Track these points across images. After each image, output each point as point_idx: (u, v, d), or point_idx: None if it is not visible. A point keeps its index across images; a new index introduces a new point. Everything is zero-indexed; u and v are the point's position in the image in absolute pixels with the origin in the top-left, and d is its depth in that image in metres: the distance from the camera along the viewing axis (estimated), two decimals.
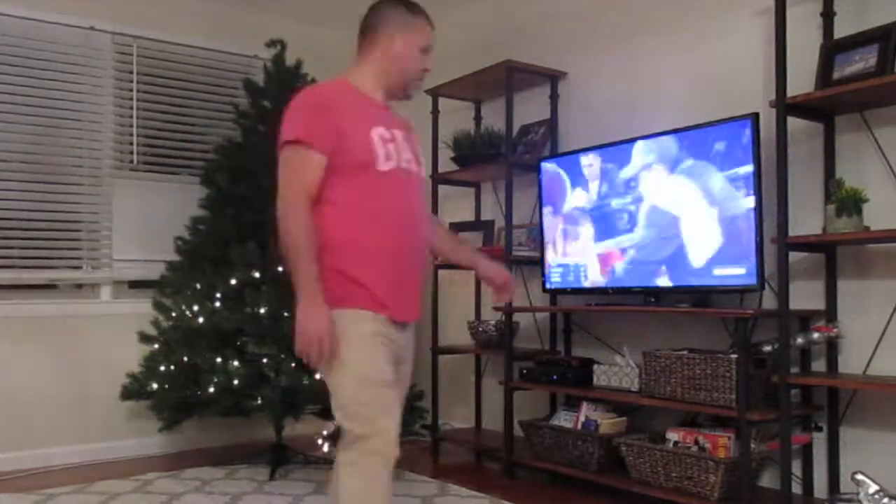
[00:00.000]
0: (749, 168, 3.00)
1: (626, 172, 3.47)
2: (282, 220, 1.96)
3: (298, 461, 4.04)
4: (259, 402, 3.56)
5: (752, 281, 2.99)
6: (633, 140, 3.45)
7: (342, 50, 5.18)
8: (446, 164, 4.57)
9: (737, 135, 3.04)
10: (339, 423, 2.03)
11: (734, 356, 2.94)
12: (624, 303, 3.61)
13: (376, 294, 2.00)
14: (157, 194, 4.43)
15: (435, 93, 4.47)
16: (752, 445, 2.95)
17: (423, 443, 4.59)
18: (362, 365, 1.98)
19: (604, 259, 3.57)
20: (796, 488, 3.02)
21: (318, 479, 3.72)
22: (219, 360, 3.60)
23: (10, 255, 4.08)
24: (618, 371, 3.47)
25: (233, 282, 3.66)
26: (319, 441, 4.12)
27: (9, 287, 4.07)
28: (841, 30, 2.96)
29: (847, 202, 2.74)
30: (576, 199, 3.70)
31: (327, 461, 4.07)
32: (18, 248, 4.11)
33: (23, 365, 4.07)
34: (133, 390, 3.81)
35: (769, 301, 3.17)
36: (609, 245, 3.54)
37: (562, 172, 3.77)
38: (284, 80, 3.93)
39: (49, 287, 4.18)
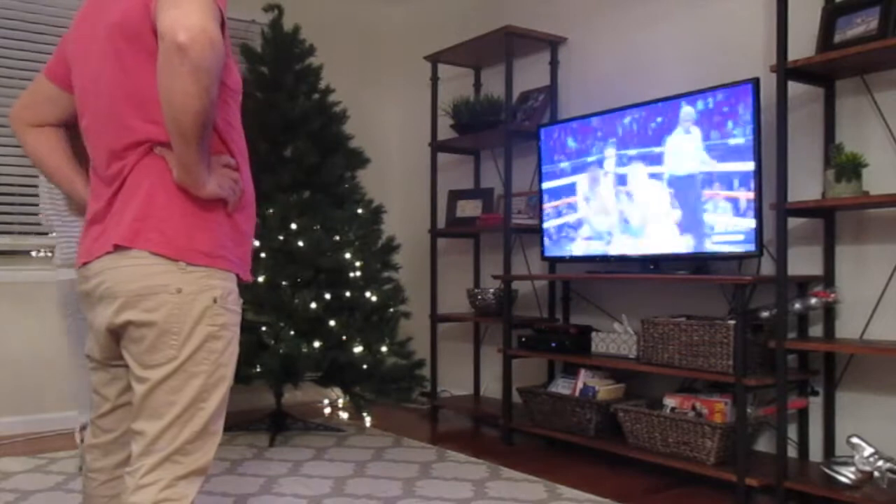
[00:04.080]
0: (749, 133, 2.98)
1: (625, 138, 3.45)
2: (206, 74, 1.30)
3: (298, 428, 4.07)
4: (258, 369, 3.57)
5: (751, 247, 2.99)
6: (632, 106, 3.43)
7: (339, 15, 5.16)
8: (445, 132, 4.55)
9: (737, 100, 3.02)
10: None
11: (732, 322, 2.95)
12: (622, 270, 3.61)
13: None
14: None
15: (434, 59, 4.44)
16: (749, 410, 2.96)
17: (422, 410, 4.62)
18: None
19: (601, 226, 3.56)
20: (792, 452, 3.04)
21: (318, 446, 3.75)
22: None
23: (9, 220, 4.08)
24: (616, 338, 3.48)
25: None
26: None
27: (8, 252, 4.07)
28: None
29: (846, 167, 2.72)
30: (575, 166, 3.69)
31: (327, 428, 4.10)
32: (18, 213, 4.11)
33: (24, 330, 4.09)
34: None
35: (767, 267, 3.17)
36: (607, 211, 3.53)
37: (561, 139, 3.75)
38: (282, 45, 3.89)
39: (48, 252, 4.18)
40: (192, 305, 1.45)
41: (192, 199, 1.45)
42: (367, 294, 3.81)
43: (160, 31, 1.29)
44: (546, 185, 3.83)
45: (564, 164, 3.74)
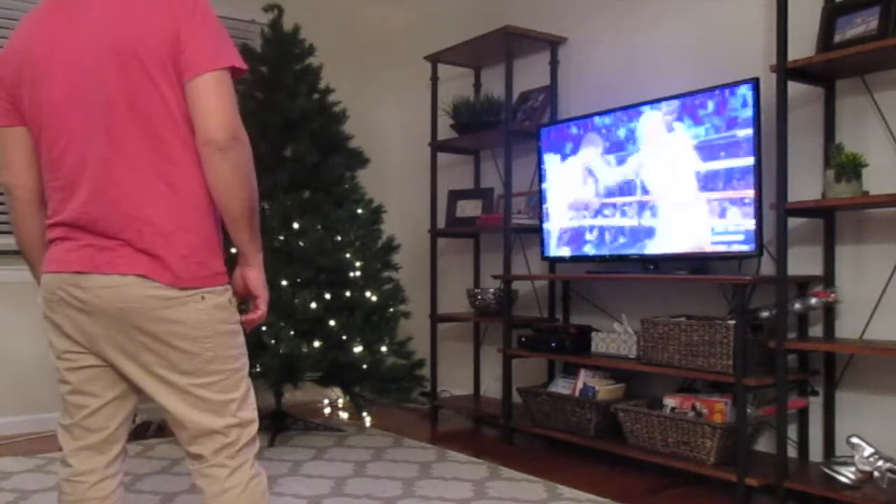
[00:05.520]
0: (749, 133, 2.98)
1: (626, 138, 3.45)
2: (246, 166, 1.51)
3: (298, 428, 4.07)
4: (258, 368, 3.57)
5: (751, 247, 2.99)
6: (632, 106, 3.43)
7: (339, 15, 5.16)
8: (445, 132, 4.55)
9: (737, 100, 3.02)
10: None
11: (732, 322, 2.95)
12: (622, 270, 3.61)
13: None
14: None
15: (434, 59, 4.44)
16: (749, 410, 2.96)
17: (422, 410, 4.62)
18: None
19: (603, 226, 3.56)
20: (792, 452, 3.04)
21: (318, 446, 3.75)
22: None
23: (9, 220, 4.08)
24: (616, 338, 3.48)
25: (232, 250, 3.66)
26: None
27: (8, 253, 4.07)
28: None
29: (846, 167, 2.72)
30: (575, 165, 3.69)
31: (327, 428, 4.10)
32: None
33: (23, 330, 4.09)
34: None
35: (767, 267, 3.17)
36: (608, 211, 3.53)
37: (562, 139, 3.75)
38: (282, 45, 3.89)
39: None
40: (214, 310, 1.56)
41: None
42: (367, 294, 3.80)
43: (194, 125, 1.48)
44: (545, 184, 3.83)
45: (564, 164, 3.73)
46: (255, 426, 1.62)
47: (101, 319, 1.50)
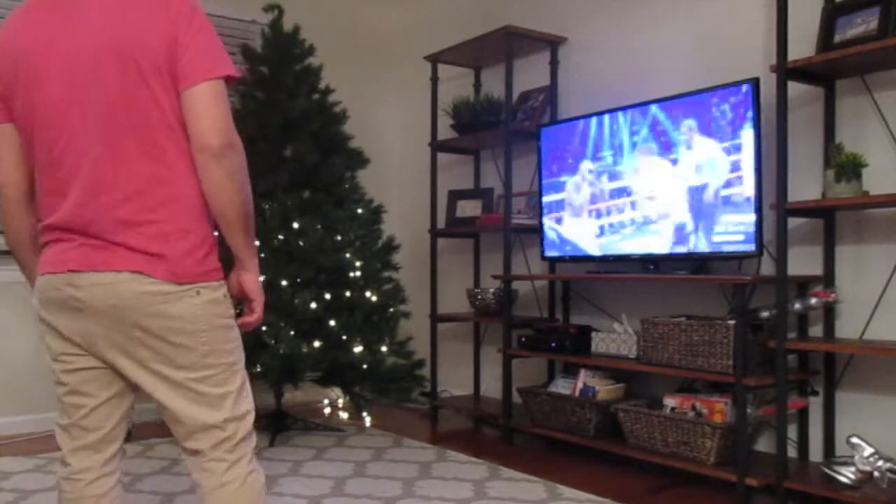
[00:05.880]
0: (749, 133, 2.98)
1: (626, 139, 3.45)
2: (240, 173, 1.53)
3: (298, 428, 4.07)
4: (258, 368, 3.57)
5: (751, 247, 2.99)
6: (632, 106, 3.43)
7: (339, 15, 5.16)
8: (445, 132, 4.55)
9: (737, 100, 3.02)
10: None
11: (732, 322, 2.95)
12: (622, 270, 3.61)
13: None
14: None
15: (434, 59, 4.44)
16: (749, 410, 2.96)
17: (422, 410, 4.62)
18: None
19: (602, 226, 3.56)
20: (792, 452, 3.04)
21: (318, 446, 3.75)
22: None
23: None
24: (616, 338, 3.48)
25: None
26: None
27: (7, 252, 4.07)
28: None
29: (846, 167, 2.72)
30: (575, 166, 3.69)
31: (327, 428, 4.10)
32: None
33: (23, 331, 4.09)
34: None
35: (767, 267, 3.17)
36: (608, 212, 3.53)
37: (561, 139, 3.75)
38: (282, 45, 3.89)
39: None
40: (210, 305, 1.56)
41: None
42: (367, 294, 3.80)
43: (189, 133, 1.49)
44: (545, 184, 3.83)
45: (564, 164, 3.73)
46: (252, 417, 1.63)
47: (96, 318, 1.51)
